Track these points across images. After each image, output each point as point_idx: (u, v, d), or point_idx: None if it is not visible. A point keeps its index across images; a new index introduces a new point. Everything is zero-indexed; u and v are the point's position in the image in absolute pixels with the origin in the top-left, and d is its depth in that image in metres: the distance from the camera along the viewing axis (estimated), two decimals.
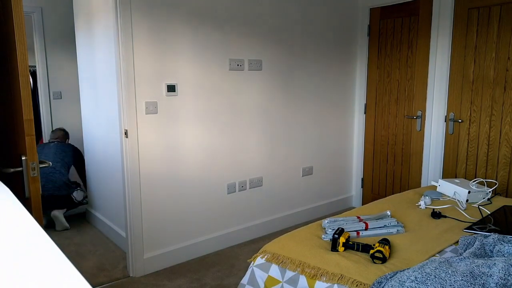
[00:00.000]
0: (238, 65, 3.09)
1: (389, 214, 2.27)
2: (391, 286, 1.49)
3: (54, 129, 4.16)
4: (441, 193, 2.74)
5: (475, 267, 1.51)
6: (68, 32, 4.35)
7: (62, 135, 4.02)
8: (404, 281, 1.48)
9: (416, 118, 3.59)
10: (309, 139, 3.70)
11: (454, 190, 2.65)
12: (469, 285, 1.42)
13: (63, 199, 3.65)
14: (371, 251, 1.77)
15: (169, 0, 2.70)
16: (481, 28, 3.11)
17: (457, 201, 2.59)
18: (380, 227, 2.10)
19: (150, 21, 2.63)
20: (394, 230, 2.08)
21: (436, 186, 2.85)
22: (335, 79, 3.83)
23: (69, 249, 3.20)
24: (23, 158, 1.48)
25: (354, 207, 4.11)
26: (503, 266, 1.48)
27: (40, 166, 1.55)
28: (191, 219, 3.00)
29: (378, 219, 2.21)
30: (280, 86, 3.39)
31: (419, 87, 3.55)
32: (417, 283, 1.45)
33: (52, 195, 3.58)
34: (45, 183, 3.56)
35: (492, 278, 1.45)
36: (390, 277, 1.57)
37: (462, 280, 1.44)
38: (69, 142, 4.13)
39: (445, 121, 3.39)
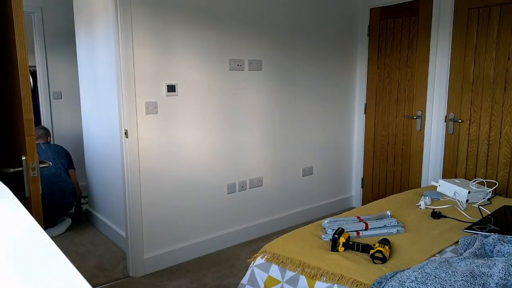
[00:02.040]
0: (238, 65, 3.09)
1: (389, 214, 2.27)
2: (391, 286, 1.49)
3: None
4: (441, 193, 2.74)
5: (475, 267, 1.51)
6: (68, 32, 4.35)
7: (43, 134, 3.70)
8: (404, 281, 1.48)
9: (416, 118, 3.59)
10: (309, 139, 3.70)
11: (454, 190, 2.65)
12: (469, 285, 1.42)
13: (70, 207, 3.60)
14: (371, 251, 1.77)
15: (169, 0, 2.70)
16: (481, 28, 3.11)
17: (457, 201, 2.59)
18: (380, 227, 2.10)
19: (150, 21, 2.63)
20: (394, 230, 2.08)
21: (436, 186, 2.85)
22: (335, 79, 3.83)
23: (69, 249, 3.20)
24: (23, 158, 1.48)
25: (354, 207, 4.11)
26: (503, 266, 1.47)
27: (40, 166, 1.55)
28: (191, 219, 3.00)
29: (378, 219, 2.21)
30: (280, 86, 3.39)
31: (419, 87, 3.55)
32: (417, 283, 1.45)
33: (64, 203, 3.49)
34: (55, 192, 3.42)
35: (492, 278, 1.45)
36: (390, 277, 1.57)
37: (462, 280, 1.44)
38: (51, 141, 3.90)
39: (445, 121, 3.39)
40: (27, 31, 1.49)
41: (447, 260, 1.62)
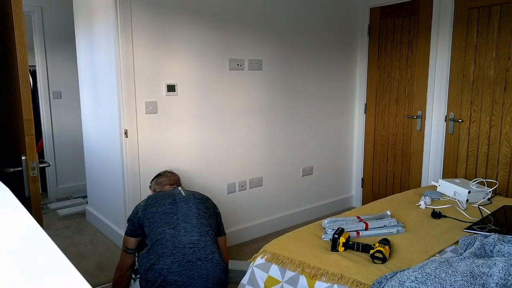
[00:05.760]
0: (238, 65, 3.09)
1: (389, 214, 2.26)
2: (391, 286, 1.49)
3: (162, 172, 2.58)
4: (441, 193, 2.74)
5: (475, 267, 1.51)
6: (68, 32, 4.35)
7: (179, 179, 2.58)
8: (404, 281, 1.48)
9: (416, 118, 3.59)
10: (309, 139, 3.70)
11: (454, 190, 2.65)
12: (469, 285, 1.42)
13: None
14: (371, 251, 1.77)
15: (169, 0, 2.70)
16: (481, 28, 3.10)
17: (457, 201, 2.59)
18: (380, 227, 2.10)
19: (150, 20, 2.63)
20: (394, 230, 2.08)
21: (436, 186, 2.85)
22: (335, 79, 3.82)
23: (69, 249, 3.20)
24: (23, 158, 1.48)
25: (354, 207, 4.11)
26: (503, 266, 1.47)
27: (40, 166, 1.55)
28: None
29: (378, 219, 2.21)
30: (280, 86, 3.39)
31: (419, 87, 3.54)
32: (417, 283, 1.45)
33: None
34: (193, 278, 1.90)
35: (492, 278, 1.45)
36: (390, 277, 1.57)
37: (462, 280, 1.44)
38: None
39: (445, 121, 3.39)
40: (27, 31, 1.48)
41: (447, 260, 1.62)
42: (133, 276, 2.24)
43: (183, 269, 1.89)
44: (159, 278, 1.87)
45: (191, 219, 2.04)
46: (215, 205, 2.30)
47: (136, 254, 2.24)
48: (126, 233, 2.17)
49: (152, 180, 2.55)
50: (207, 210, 2.16)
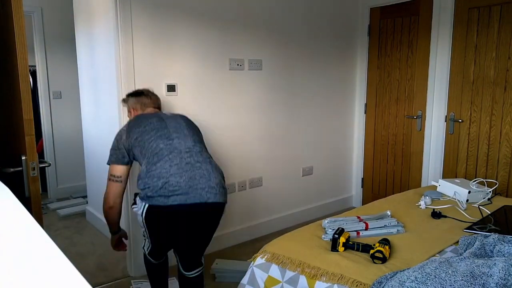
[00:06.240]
0: (238, 65, 3.09)
1: (389, 214, 2.26)
2: (391, 286, 1.49)
3: (145, 90, 2.30)
4: (441, 193, 2.74)
5: (475, 267, 1.51)
6: (68, 32, 4.34)
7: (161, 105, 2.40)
8: (404, 281, 1.48)
9: (416, 118, 3.59)
10: (309, 139, 3.70)
11: (454, 190, 2.65)
12: (469, 285, 1.42)
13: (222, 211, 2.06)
14: (371, 251, 1.77)
15: (170, 0, 2.70)
16: (482, 28, 3.10)
17: (457, 201, 2.58)
18: (380, 227, 2.10)
19: (150, 21, 2.63)
20: (394, 230, 2.08)
21: (436, 186, 2.84)
22: (335, 79, 3.82)
23: (69, 249, 3.20)
24: (23, 158, 1.48)
25: (354, 207, 4.11)
26: (503, 266, 1.47)
27: (40, 166, 1.55)
28: None
29: (378, 219, 2.21)
30: (280, 86, 3.39)
31: (419, 87, 3.54)
32: (417, 283, 1.45)
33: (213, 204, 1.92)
34: (195, 179, 1.87)
35: (492, 278, 1.45)
36: (390, 277, 1.57)
37: (462, 280, 1.44)
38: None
39: (445, 121, 3.39)
40: (27, 31, 1.48)
41: (447, 260, 1.62)
42: (135, 199, 2.04)
43: (183, 171, 1.85)
44: (161, 180, 1.82)
45: (182, 130, 2.01)
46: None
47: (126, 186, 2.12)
48: (111, 162, 2.02)
49: (130, 95, 2.26)
50: (195, 127, 2.14)
